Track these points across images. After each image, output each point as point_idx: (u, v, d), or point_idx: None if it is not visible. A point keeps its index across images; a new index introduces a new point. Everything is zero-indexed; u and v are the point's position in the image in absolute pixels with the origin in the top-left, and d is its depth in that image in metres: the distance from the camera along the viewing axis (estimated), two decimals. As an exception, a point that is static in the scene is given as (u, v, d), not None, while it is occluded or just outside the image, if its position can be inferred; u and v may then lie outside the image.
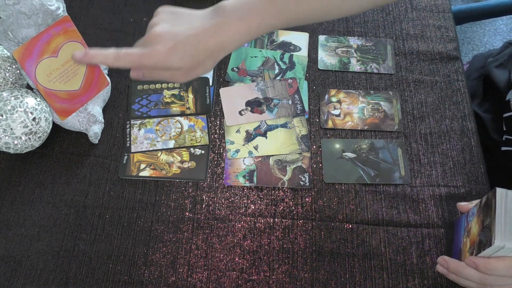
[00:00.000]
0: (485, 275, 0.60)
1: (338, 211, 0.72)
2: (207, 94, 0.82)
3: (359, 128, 0.79)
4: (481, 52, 1.02)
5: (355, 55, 0.86)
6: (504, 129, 0.82)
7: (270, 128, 0.79)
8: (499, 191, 0.58)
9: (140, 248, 0.69)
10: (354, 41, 0.88)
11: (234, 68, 0.85)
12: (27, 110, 0.69)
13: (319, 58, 0.86)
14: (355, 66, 0.85)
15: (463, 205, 0.68)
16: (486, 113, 0.88)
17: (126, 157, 0.76)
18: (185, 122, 0.79)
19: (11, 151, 0.70)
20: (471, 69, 0.98)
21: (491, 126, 0.86)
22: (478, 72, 0.94)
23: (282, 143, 0.77)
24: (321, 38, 0.88)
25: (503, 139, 0.82)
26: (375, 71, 0.84)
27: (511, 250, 0.57)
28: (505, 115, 0.82)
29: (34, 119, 0.70)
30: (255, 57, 0.86)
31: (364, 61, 0.86)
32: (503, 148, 0.82)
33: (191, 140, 0.78)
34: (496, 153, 0.83)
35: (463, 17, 1.32)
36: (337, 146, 0.77)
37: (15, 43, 0.68)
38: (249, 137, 0.78)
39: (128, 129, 0.79)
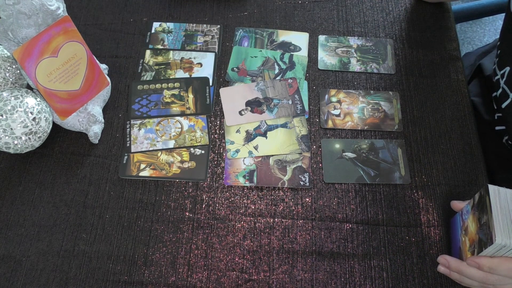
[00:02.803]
0: (487, 274, 0.60)
1: (338, 211, 0.72)
2: (207, 94, 0.82)
3: (359, 128, 0.79)
4: (472, 50, 1.04)
5: (355, 55, 0.86)
6: (495, 107, 0.83)
7: (270, 128, 0.79)
8: (492, 188, 0.59)
9: (140, 248, 0.69)
10: (354, 41, 0.88)
11: (234, 68, 0.85)
12: (27, 110, 0.69)
13: (319, 58, 0.86)
14: (355, 66, 0.85)
15: (456, 203, 0.69)
16: (476, 97, 0.89)
17: (126, 157, 0.76)
18: (185, 122, 0.79)
19: (11, 151, 0.70)
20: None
21: (482, 108, 0.87)
22: (469, 69, 0.95)
23: (282, 143, 0.77)
24: (321, 38, 0.88)
25: (495, 117, 0.83)
26: (375, 71, 0.84)
27: None
28: (494, 94, 0.83)
29: (34, 119, 0.70)
30: (255, 57, 0.86)
31: (364, 61, 0.86)
32: (497, 128, 0.83)
33: (191, 140, 0.78)
34: (490, 134, 0.85)
35: (463, 16, 1.32)
36: (337, 146, 0.77)
37: (15, 43, 0.68)
38: (249, 137, 0.78)
39: (128, 129, 0.79)
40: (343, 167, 0.75)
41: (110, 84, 0.80)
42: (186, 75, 0.84)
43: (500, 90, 0.79)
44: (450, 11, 0.92)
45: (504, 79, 0.78)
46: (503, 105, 0.78)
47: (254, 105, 0.81)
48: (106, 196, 0.73)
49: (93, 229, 0.71)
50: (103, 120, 0.78)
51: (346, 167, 0.75)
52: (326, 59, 0.86)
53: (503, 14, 0.83)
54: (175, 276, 0.67)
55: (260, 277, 0.67)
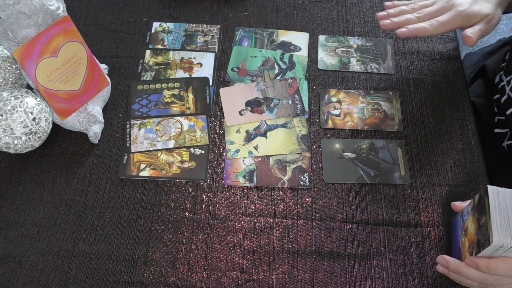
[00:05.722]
0: (486, 275, 0.60)
1: (338, 211, 0.72)
2: (207, 94, 0.82)
3: (359, 128, 0.79)
4: (473, 50, 1.03)
5: (355, 55, 0.86)
6: (496, 110, 0.83)
7: (270, 128, 0.79)
8: (491, 189, 0.59)
9: (140, 248, 0.69)
10: (354, 41, 0.88)
11: (234, 68, 0.85)
12: (27, 110, 0.69)
13: (319, 58, 0.86)
14: (355, 66, 0.85)
15: (457, 204, 0.69)
16: (477, 97, 0.89)
17: (126, 157, 0.76)
18: (185, 122, 0.79)
19: (11, 151, 0.70)
20: (464, 66, 0.99)
21: (483, 110, 0.87)
22: (471, 69, 0.95)
23: (282, 143, 0.77)
24: (321, 38, 0.88)
25: (495, 120, 0.83)
26: (375, 71, 0.84)
27: (511, 250, 0.57)
28: (495, 97, 0.83)
29: (34, 119, 0.70)
30: (255, 57, 0.86)
31: (364, 61, 0.86)
32: (496, 130, 0.83)
33: (191, 140, 0.78)
34: (489, 136, 0.85)
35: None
36: (337, 146, 0.77)
37: (15, 43, 0.68)
38: (249, 137, 0.78)
39: (128, 129, 0.79)
40: (343, 167, 0.75)
41: (110, 84, 0.80)
42: (186, 75, 0.84)
43: (505, 97, 0.79)
44: (450, 11, 0.92)
45: (510, 86, 0.78)
46: (508, 112, 0.78)
47: (254, 105, 0.81)
48: (106, 196, 0.73)
49: (93, 229, 0.71)
50: (103, 120, 0.78)
51: (346, 167, 0.75)
52: (326, 59, 0.86)
53: (504, 15, 0.83)
54: (175, 276, 0.67)
55: (260, 277, 0.67)
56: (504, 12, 0.83)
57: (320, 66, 0.85)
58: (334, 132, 0.79)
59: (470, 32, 0.74)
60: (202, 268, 0.68)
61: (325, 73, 0.85)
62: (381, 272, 0.68)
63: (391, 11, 0.77)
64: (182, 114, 0.80)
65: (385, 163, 0.76)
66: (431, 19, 0.74)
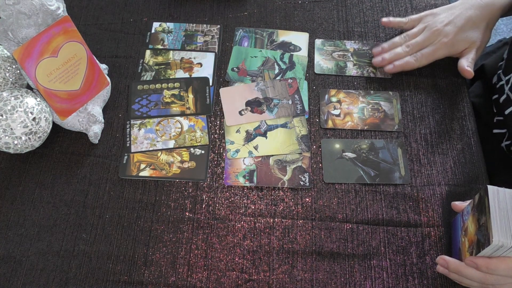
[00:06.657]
0: (486, 275, 0.60)
1: (338, 211, 0.72)
2: (207, 94, 0.82)
3: (359, 128, 0.79)
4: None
5: (351, 59, 0.86)
6: (495, 110, 0.83)
7: (270, 128, 0.79)
8: (491, 189, 0.59)
9: (140, 248, 0.69)
10: (351, 45, 0.87)
11: (234, 68, 0.85)
12: (27, 110, 0.69)
13: (315, 62, 0.85)
14: (351, 70, 0.85)
15: (457, 204, 0.69)
16: (476, 98, 0.89)
17: (126, 157, 0.76)
18: (185, 122, 0.79)
19: (11, 151, 0.70)
20: None
21: (482, 110, 0.87)
22: None
23: (282, 143, 0.77)
24: (318, 42, 0.88)
25: (494, 121, 0.84)
26: (372, 75, 0.84)
27: (511, 250, 0.57)
28: (494, 97, 0.83)
29: (34, 119, 0.70)
30: (255, 57, 0.86)
31: (360, 65, 0.85)
32: (495, 131, 0.83)
33: (191, 140, 0.78)
34: (488, 137, 0.85)
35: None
36: (337, 146, 0.77)
37: (15, 43, 0.68)
38: (249, 137, 0.78)
39: (128, 129, 0.79)
40: (343, 167, 0.75)
41: (110, 84, 0.80)
42: (186, 75, 0.84)
43: (504, 96, 0.79)
44: (450, 11, 0.92)
45: (509, 85, 0.78)
46: (507, 112, 0.78)
47: (254, 105, 0.81)
48: (106, 196, 0.73)
49: (93, 229, 0.71)
50: (103, 120, 0.78)
51: (346, 167, 0.75)
52: (323, 63, 0.85)
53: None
54: (175, 276, 0.67)
55: (260, 277, 0.67)
56: (505, 16, 0.84)
57: (317, 70, 0.85)
58: (334, 132, 0.79)
59: (467, 65, 0.79)
60: (202, 268, 0.68)
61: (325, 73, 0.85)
62: (381, 272, 0.68)
63: (385, 45, 0.84)
64: (182, 114, 0.80)
65: (385, 163, 0.76)
66: (416, 52, 0.81)
